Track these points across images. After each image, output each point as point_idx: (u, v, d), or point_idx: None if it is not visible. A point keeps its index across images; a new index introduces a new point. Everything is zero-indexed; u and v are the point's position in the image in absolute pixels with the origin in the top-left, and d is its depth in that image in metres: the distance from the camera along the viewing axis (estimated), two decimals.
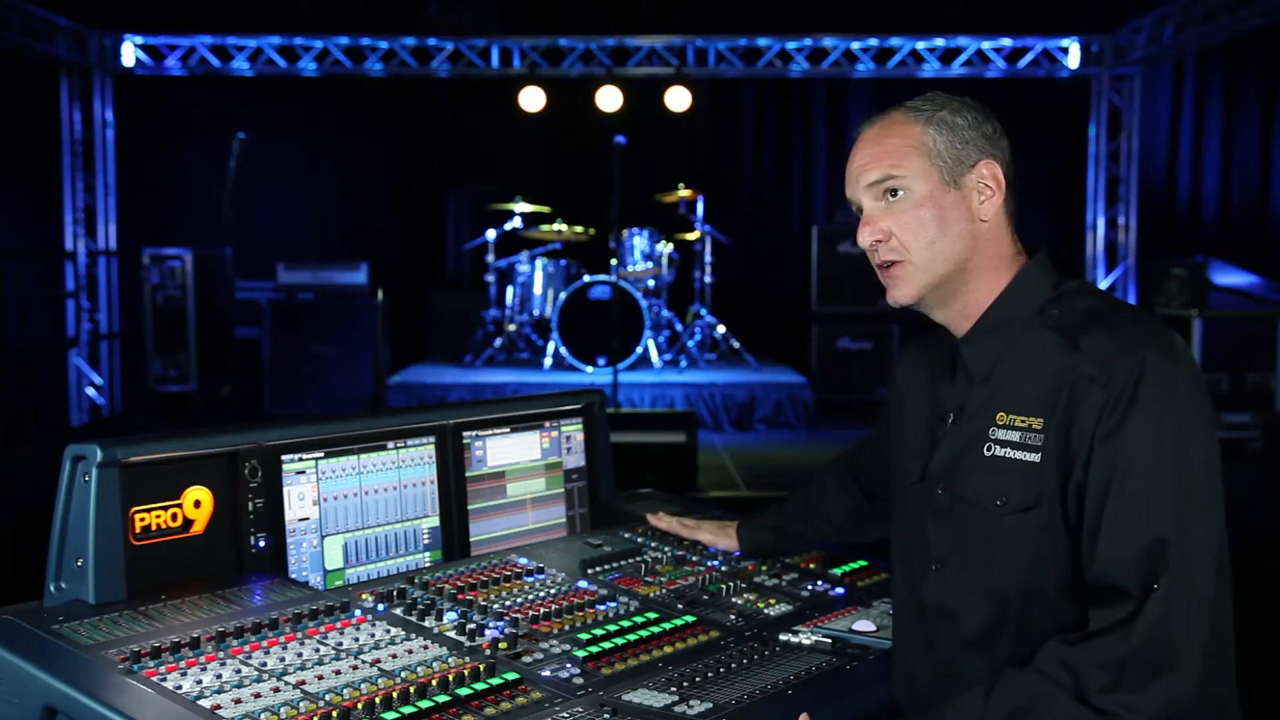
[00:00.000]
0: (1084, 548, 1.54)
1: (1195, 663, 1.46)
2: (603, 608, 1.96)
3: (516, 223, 9.49)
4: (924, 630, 1.73)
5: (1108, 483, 1.51)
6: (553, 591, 2.03)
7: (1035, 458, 1.58)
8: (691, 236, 9.63)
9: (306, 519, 2.01)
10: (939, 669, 1.70)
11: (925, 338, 1.89)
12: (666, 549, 2.31)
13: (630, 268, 9.18)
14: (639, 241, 9.23)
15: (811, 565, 2.29)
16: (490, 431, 2.32)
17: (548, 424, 2.44)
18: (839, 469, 2.27)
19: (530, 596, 1.99)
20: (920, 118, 1.68)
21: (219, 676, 1.55)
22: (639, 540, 2.36)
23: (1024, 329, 1.65)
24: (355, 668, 1.63)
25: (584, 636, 1.82)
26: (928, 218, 1.66)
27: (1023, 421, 1.61)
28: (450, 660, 1.68)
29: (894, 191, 1.67)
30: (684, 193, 9.38)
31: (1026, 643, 1.56)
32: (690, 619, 1.95)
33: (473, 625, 1.80)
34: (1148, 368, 1.51)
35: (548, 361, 9.11)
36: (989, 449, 1.64)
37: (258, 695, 1.51)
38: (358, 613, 1.82)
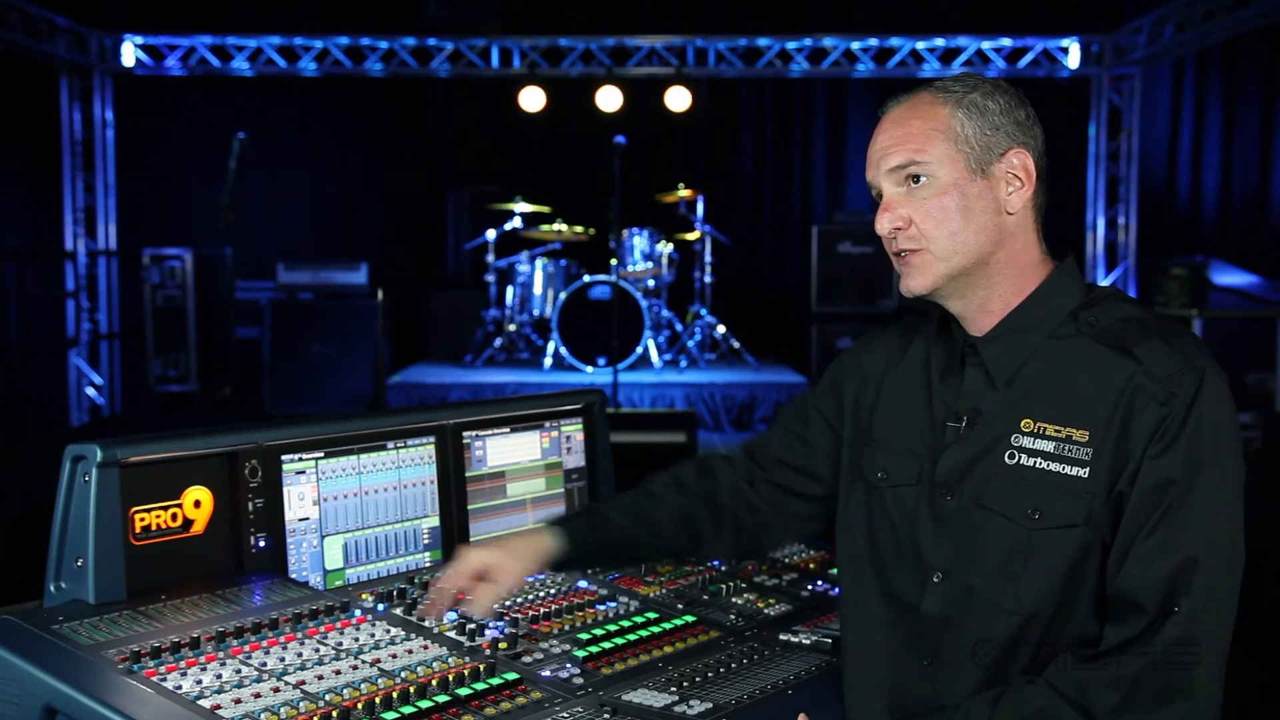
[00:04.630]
0: (1111, 560, 1.48)
1: (1212, 691, 1.42)
2: (603, 608, 1.96)
3: (516, 223, 9.48)
4: (922, 643, 1.62)
5: (1151, 499, 1.45)
6: (553, 591, 2.03)
7: (1081, 472, 1.49)
8: (691, 236, 9.62)
9: (306, 519, 2.01)
10: (943, 681, 1.59)
11: (902, 325, 1.77)
12: None
13: (630, 268, 9.17)
14: (639, 241, 9.22)
15: (811, 565, 2.29)
16: (490, 431, 2.32)
17: (548, 424, 2.43)
18: (721, 466, 1.96)
19: (530, 596, 1.99)
20: (949, 100, 1.58)
21: (219, 676, 1.55)
22: None
23: (1055, 334, 1.57)
24: (355, 668, 1.63)
25: (584, 636, 1.82)
26: (951, 206, 1.56)
27: (1057, 431, 1.52)
28: (450, 660, 1.68)
29: (916, 178, 1.58)
30: (684, 193, 9.37)
31: (1047, 656, 1.50)
32: (690, 619, 1.95)
33: (473, 625, 1.80)
34: (1205, 385, 1.46)
35: (548, 361, 9.11)
36: (1011, 456, 1.55)
37: (258, 695, 1.51)
38: (358, 613, 1.82)
